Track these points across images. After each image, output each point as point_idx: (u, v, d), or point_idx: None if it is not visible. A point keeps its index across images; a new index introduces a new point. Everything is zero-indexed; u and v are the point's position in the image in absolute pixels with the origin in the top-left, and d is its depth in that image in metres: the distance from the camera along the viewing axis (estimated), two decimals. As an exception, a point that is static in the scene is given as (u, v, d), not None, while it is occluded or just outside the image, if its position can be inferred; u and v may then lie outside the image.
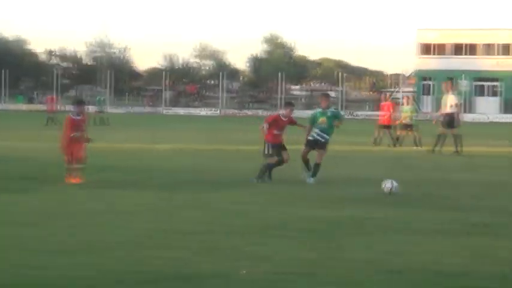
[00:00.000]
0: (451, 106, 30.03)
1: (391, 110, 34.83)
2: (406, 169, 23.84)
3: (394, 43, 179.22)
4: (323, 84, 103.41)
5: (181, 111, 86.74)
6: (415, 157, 29.07)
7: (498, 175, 22.86)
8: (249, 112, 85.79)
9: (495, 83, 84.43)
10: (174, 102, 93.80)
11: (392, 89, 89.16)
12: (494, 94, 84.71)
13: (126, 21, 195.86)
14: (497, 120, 74.93)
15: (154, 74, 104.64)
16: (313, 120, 19.82)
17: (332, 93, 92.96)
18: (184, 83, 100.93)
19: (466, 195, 17.88)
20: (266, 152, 19.35)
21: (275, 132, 19.32)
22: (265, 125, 19.27)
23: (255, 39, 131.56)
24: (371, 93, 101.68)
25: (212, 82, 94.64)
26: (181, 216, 14.00)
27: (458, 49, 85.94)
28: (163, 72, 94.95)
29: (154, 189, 17.74)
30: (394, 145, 33.56)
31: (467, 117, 74.12)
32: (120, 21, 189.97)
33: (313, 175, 19.26)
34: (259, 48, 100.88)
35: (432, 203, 16.32)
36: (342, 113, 20.23)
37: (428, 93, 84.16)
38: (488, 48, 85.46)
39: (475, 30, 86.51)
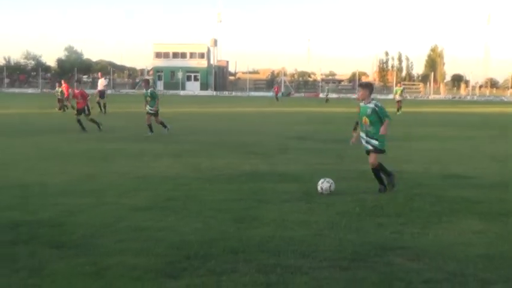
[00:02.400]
0: (103, 85, 29.36)
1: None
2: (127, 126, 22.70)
3: (144, 50, 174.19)
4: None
5: (16, 90, 78.59)
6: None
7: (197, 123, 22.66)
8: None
9: (197, 74, 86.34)
10: (11, 85, 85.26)
11: (141, 76, 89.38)
12: (196, 80, 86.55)
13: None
14: (198, 94, 76.33)
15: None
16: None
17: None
18: (18, 74, 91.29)
19: (181, 135, 17.31)
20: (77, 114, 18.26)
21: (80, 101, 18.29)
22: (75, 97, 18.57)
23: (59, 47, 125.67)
24: (128, 79, 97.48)
25: (35, 73, 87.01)
26: None
27: (176, 55, 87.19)
28: (4, 67, 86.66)
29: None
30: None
31: (182, 93, 75.08)
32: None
33: (150, 132, 17.13)
34: (62, 53, 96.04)
35: (160, 141, 15.63)
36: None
37: (160, 80, 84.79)
38: (192, 54, 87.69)
39: (184, 44, 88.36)
